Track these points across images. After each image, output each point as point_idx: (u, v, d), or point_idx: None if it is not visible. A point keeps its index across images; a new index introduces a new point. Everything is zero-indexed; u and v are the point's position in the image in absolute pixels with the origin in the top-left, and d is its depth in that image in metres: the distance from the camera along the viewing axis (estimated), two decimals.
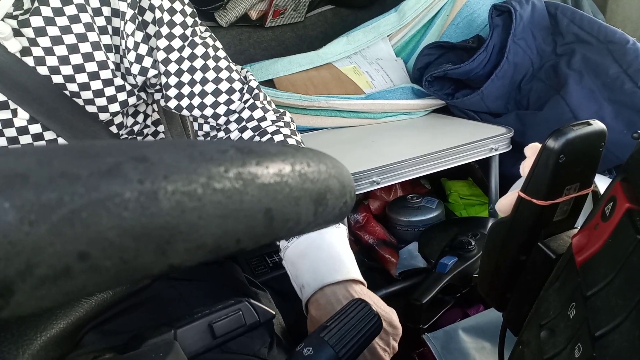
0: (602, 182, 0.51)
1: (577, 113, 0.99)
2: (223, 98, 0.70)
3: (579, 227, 0.35)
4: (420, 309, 0.74)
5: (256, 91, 0.73)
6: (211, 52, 0.70)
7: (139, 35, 0.64)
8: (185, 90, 0.69)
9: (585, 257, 0.31)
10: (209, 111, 0.70)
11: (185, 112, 0.71)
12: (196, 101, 0.70)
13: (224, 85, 0.70)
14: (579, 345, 0.27)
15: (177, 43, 0.67)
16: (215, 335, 0.44)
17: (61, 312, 0.48)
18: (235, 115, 0.71)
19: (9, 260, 0.15)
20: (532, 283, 0.38)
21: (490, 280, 0.42)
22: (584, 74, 1.02)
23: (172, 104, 0.70)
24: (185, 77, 0.69)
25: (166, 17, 0.65)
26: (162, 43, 0.66)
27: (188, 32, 0.68)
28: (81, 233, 0.16)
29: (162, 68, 0.67)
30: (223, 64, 0.71)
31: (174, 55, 0.67)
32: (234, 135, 0.72)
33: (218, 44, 0.72)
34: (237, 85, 0.71)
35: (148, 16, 0.64)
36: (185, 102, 0.70)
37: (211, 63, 0.70)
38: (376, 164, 0.90)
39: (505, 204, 0.40)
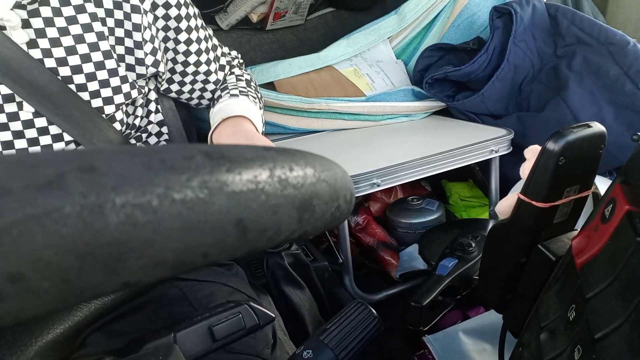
0: (602, 184, 0.51)
1: (577, 115, 0.99)
2: (218, 82, 0.84)
3: (579, 229, 0.35)
4: (420, 311, 0.74)
5: (234, 62, 0.90)
6: (210, 44, 0.80)
7: (154, 29, 0.69)
8: (188, 79, 0.80)
9: (585, 259, 0.30)
10: (207, 95, 0.84)
11: (185, 96, 0.83)
12: (198, 86, 0.82)
13: (220, 74, 0.84)
14: (579, 348, 0.27)
15: (183, 36, 0.75)
16: (215, 339, 0.44)
17: (58, 317, 0.48)
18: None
19: None
20: (532, 285, 0.38)
21: (490, 282, 0.42)
22: (585, 76, 1.02)
23: (174, 87, 0.80)
24: (190, 69, 0.78)
25: (183, 12, 0.73)
26: (183, 37, 0.74)
27: (192, 23, 0.76)
28: (11, 253, 0.14)
29: (182, 58, 0.77)
30: (216, 53, 0.83)
31: (182, 47, 0.75)
32: (217, 94, 0.84)
33: (210, 31, 0.83)
34: (226, 69, 0.85)
35: (160, 12, 0.70)
36: (187, 88, 0.81)
37: (211, 55, 0.80)
38: (376, 166, 0.90)
39: (505, 206, 0.40)
